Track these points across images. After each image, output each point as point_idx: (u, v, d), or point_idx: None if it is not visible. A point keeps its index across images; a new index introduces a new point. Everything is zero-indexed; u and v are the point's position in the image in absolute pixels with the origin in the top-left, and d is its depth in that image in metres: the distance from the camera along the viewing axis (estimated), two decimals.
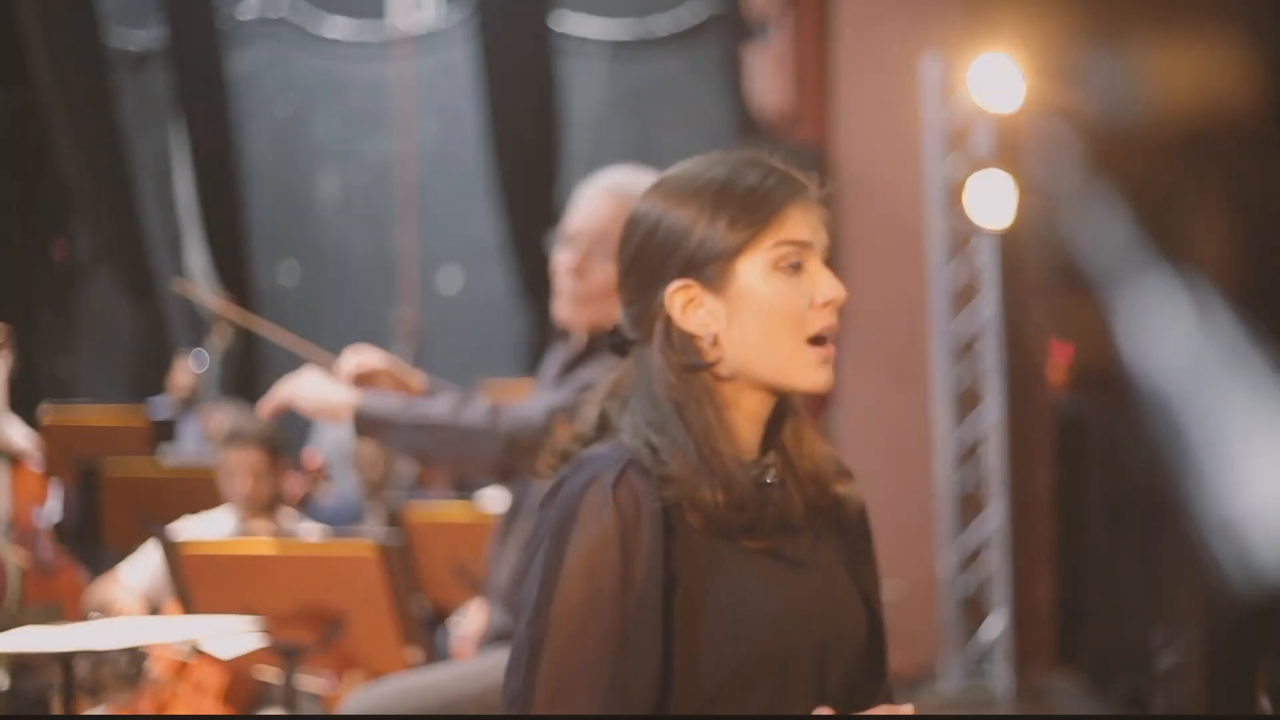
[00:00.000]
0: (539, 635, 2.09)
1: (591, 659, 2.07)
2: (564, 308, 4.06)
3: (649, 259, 2.23)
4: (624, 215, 3.90)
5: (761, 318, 2.20)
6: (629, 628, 2.08)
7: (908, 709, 2.20)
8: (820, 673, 2.19)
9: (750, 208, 2.20)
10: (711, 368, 2.21)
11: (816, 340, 2.22)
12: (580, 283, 4.04)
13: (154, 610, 5.82)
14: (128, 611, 5.74)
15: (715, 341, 2.20)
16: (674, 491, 2.13)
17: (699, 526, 2.14)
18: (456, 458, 3.94)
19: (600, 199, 4.05)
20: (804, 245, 2.21)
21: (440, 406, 3.90)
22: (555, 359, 4.16)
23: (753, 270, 2.20)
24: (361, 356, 4.24)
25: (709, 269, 2.20)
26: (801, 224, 2.22)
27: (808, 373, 2.22)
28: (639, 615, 2.09)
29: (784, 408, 2.28)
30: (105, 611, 5.80)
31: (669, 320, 2.22)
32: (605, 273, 3.97)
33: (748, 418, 2.24)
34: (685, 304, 2.21)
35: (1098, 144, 7.74)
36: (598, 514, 2.11)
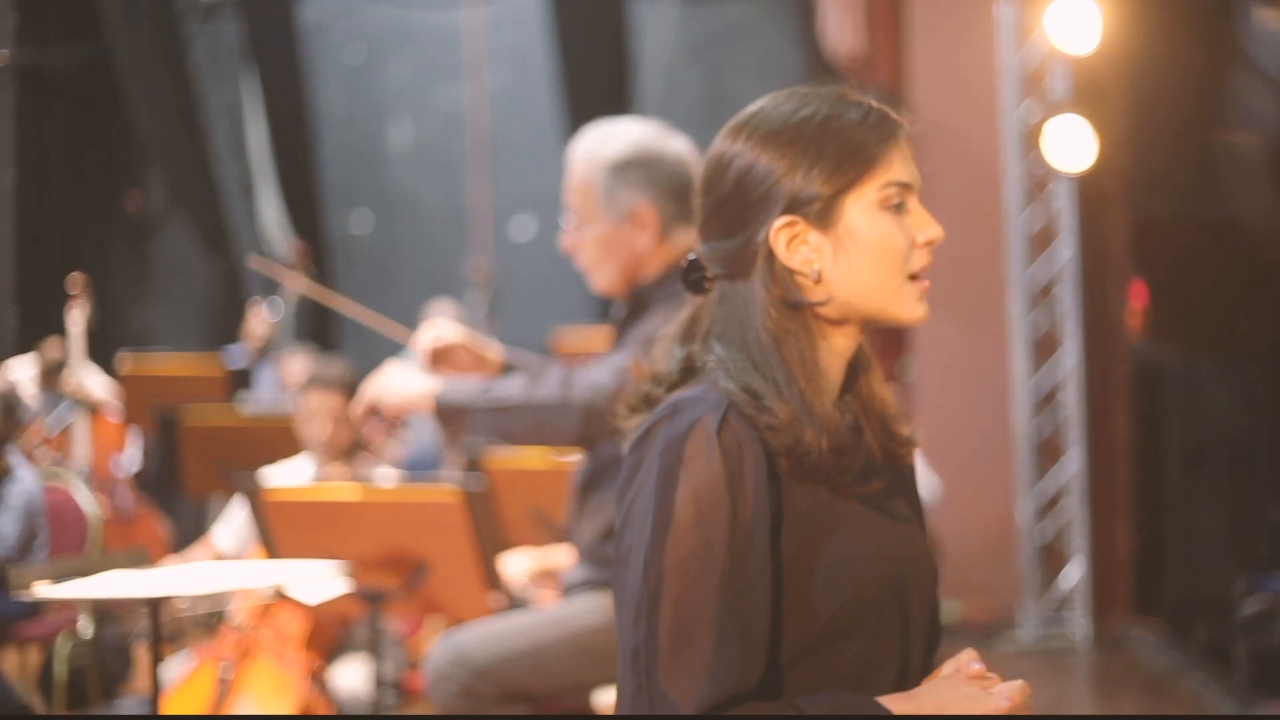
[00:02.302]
0: (655, 587, 2.08)
1: (709, 606, 2.05)
2: (593, 280, 4.04)
3: (744, 197, 2.21)
4: (593, 179, 3.93)
5: (868, 256, 2.19)
6: (742, 572, 2.07)
7: (968, 658, 2.17)
8: (904, 614, 2.20)
9: (856, 148, 2.19)
10: (813, 307, 2.20)
11: (915, 276, 2.23)
12: (585, 254, 4.02)
13: None
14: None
15: (819, 278, 2.19)
16: (778, 439, 2.12)
17: (800, 472, 2.14)
18: (537, 435, 3.92)
19: (573, 167, 4.03)
20: (907, 186, 2.22)
21: (514, 386, 3.87)
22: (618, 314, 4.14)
23: (859, 208, 2.19)
24: (437, 331, 4.23)
25: (813, 207, 2.18)
26: (903, 164, 2.23)
27: (910, 306, 2.22)
28: (751, 558, 2.08)
29: (861, 354, 2.28)
30: None
31: (771, 256, 2.19)
32: (595, 231, 3.97)
33: (837, 356, 2.24)
34: (789, 240, 2.19)
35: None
36: (704, 460, 2.09)
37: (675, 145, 3.98)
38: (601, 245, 3.96)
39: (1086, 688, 8.23)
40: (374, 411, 4.08)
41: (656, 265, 3.94)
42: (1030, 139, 8.98)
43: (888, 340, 9.11)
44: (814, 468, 2.14)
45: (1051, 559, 9.06)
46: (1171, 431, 8.97)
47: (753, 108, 2.27)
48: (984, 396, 9.24)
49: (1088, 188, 9.04)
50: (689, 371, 2.24)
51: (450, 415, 3.95)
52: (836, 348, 2.23)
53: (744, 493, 2.09)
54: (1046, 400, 9.12)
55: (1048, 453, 9.10)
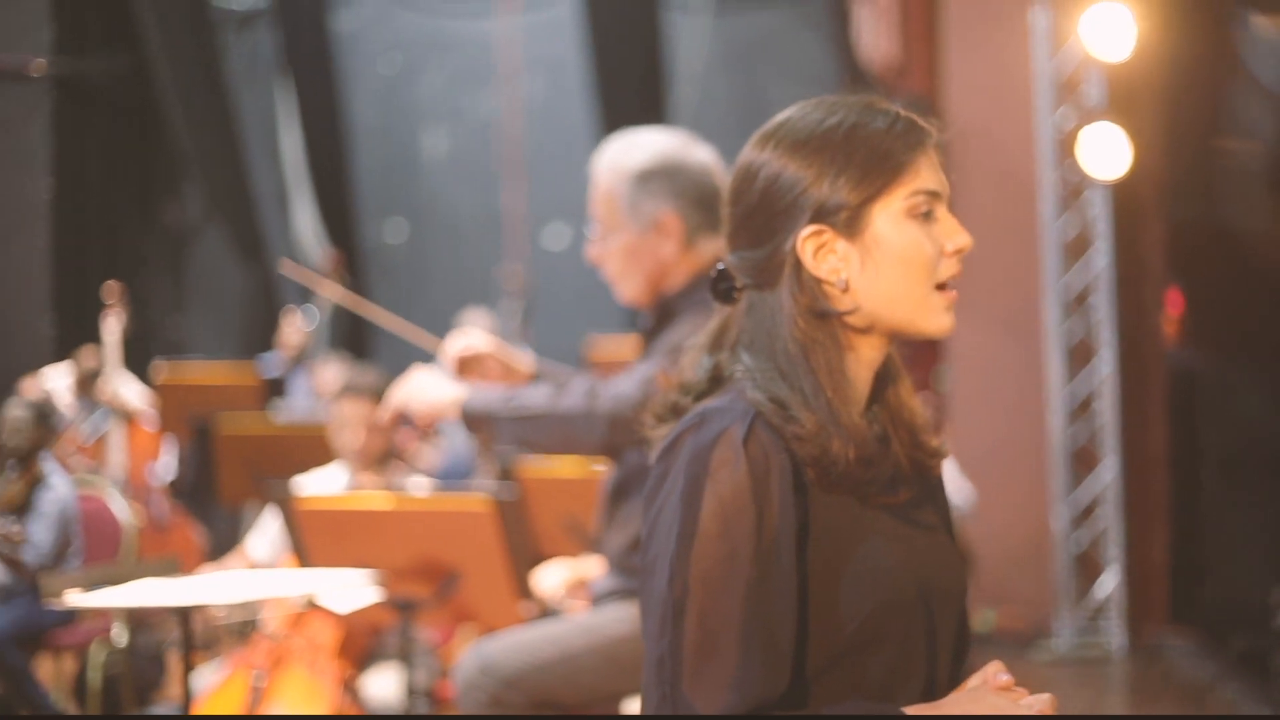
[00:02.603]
0: (680, 596, 2.07)
1: (734, 616, 2.05)
2: (619, 290, 4.04)
3: (772, 206, 2.20)
4: (617, 189, 3.93)
5: (896, 265, 2.18)
6: (767, 582, 2.06)
7: (995, 669, 2.16)
8: (930, 625, 2.19)
9: (883, 156, 2.18)
10: (841, 317, 2.19)
11: (942, 286, 2.21)
12: (611, 264, 4.02)
13: None
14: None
15: (846, 287, 2.18)
16: (805, 449, 2.11)
17: (827, 482, 2.13)
18: (562, 445, 3.92)
19: (597, 177, 4.03)
20: (935, 194, 2.21)
21: (539, 396, 3.87)
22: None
23: (887, 216, 2.18)
24: (466, 340, 4.23)
25: (840, 216, 2.18)
26: (931, 172, 2.21)
27: (936, 317, 2.21)
28: (776, 570, 2.07)
29: (889, 359, 2.27)
30: None
31: (799, 265, 2.19)
32: (620, 241, 3.97)
33: (865, 366, 2.23)
34: (816, 250, 2.18)
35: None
36: (730, 470, 2.08)
37: (699, 154, 3.98)
38: (627, 255, 3.96)
39: (1121, 697, 8.19)
40: (401, 417, 4.09)
41: (682, 274, 3.94)
42: (1065, 146, 8.95)
43: (922, 349, 9.03)
44: (841, 478, 2.13)
45: (1086, 568, 9.03)
46: (1207, 439, 8.93)
47: (780, 117, 2.26)
48: (1019, 405, 9.21)
49: (1123, 195, 9.00)
50: (716, 381, 2.24)
51: (476, 422, 3.94)
52: (864, 358, 2.22)
53: (770, 503, 2.08)
54: (1082, 408, 9.08)
55: (1083, 461, 9.07)
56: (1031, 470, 9.10)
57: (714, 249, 3.86)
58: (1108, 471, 8.98)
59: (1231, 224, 8.35)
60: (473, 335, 4.30)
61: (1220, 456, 8.77)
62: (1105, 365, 9.01)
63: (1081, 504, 9.02)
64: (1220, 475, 8.78)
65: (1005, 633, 8.92)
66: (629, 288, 4.00)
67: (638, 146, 3.99)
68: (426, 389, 4.00)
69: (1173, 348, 9.28)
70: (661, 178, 3.92)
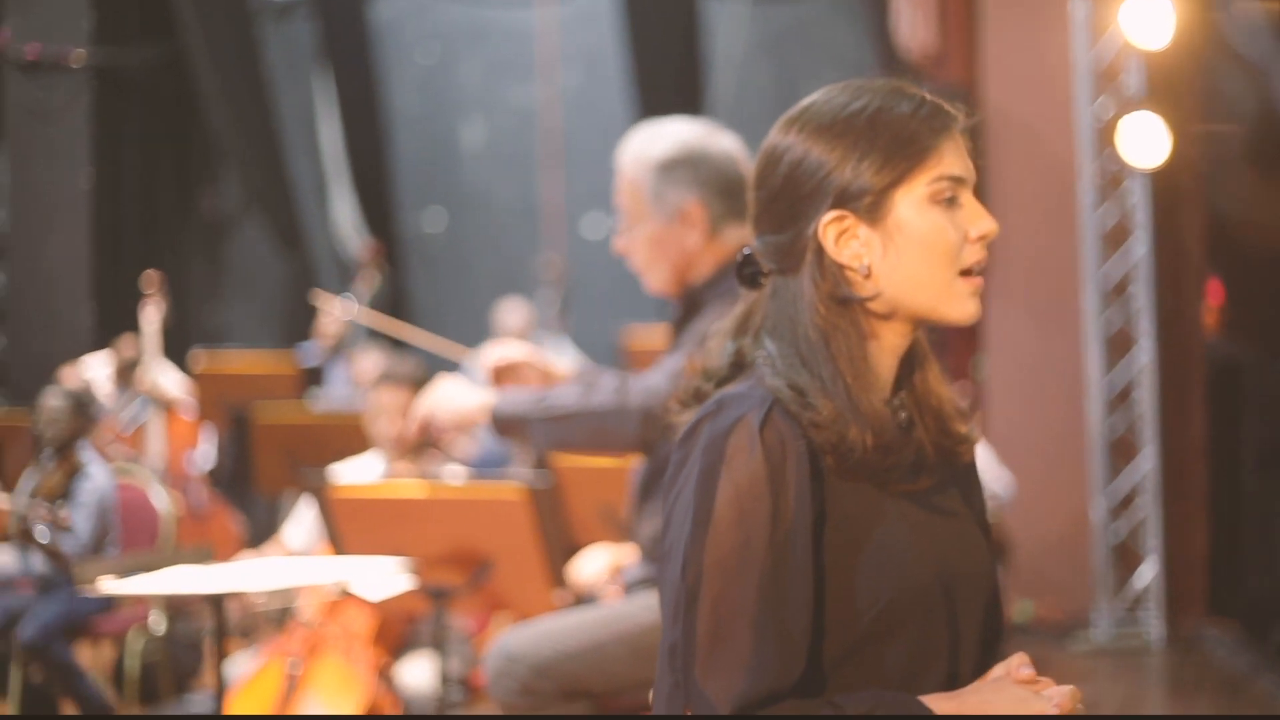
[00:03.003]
0: (694, 584, 2.07)
1: (748, 604, 2.04)
2: (647, 281, 4.04)
3: (795, 190, 2.19)
4: (641, 179, 3.92)
5: (918, 251, 2.17)
6: (782, 570, 2.06)
7: (1019, 661, 2.14)
8: (952, 614, 2.17)
9: (907, 140, 2.16)
10: (863, 302, 2.18)
11: (966, 272, 2.20)
12: (637, 255, 4.01)
13: None
14: None
15: (869, 273, 2.17)
16: (822, 436, 2.10)
17: (845, 469, 2.12)
18: (596, 442, 3.92)
19: (622, 169, 4.02)
20: (960, 180, 2.19)
21: (569, 395, 3.87)
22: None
23: (909, 202, 2.17)
24: (502, 350, 4.24)
25: (863, 201, 2.16)
26: (956, 158, 2.19)
27: (960, 304, 2.19)
28: (791, 557, 2.06)
29: (915, 345, 2.25)
30: None
31: (820, 251, 2.18)
32: (646, 232, 3.97)
33: (889, 352, 2.22)
34: (839, 235, 2.18)
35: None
36: (746, 457, 2.08)
37: (723, 143, 3.97)
38: (652, 245, 3.96)
39: (1160, 688, 8.16)
40: (428, 428, 4.09)
41: (708, 264, 3.93)
42: (1104, 135, 8.91)
43: (961, 337, 9.06)
44: (858, 465, 2.12)
45: (1125, 558, 8.99)
46: (1247, 430, 8.88)
47: (806, 101, 2.25)
48: (1058, 394, 9.17)
49: (1162, 184, 8.96)
50: (739, 366, 2.23)
51: (507, 427, 3.95)
52: (886, 344, 2.21)
53: (786, 491, 2.07)
54: (1120, 398, 9.04)
55: (1122, 451, 9.02)
56: (1070, 460, 9.07)
57: (739, 238, 3.86)
58: (1146, 461, 8.94)
59: (1273, 213, 8.31)
60: (509, 345, 4.32)
61: (1260, 446, 8.73)
62: (1144, 354, 8.96)
63: (1120, 494, 8.99)
64: (1260, 465, 8.73)
65: (1043, 623, 8.89)
66: (655, 278, 4.00)
67: (661, 136, 3.99)
68: (453, 397, 4.00)
69: (1213, 337, 9.24)
70: (685, 167, 3.92)
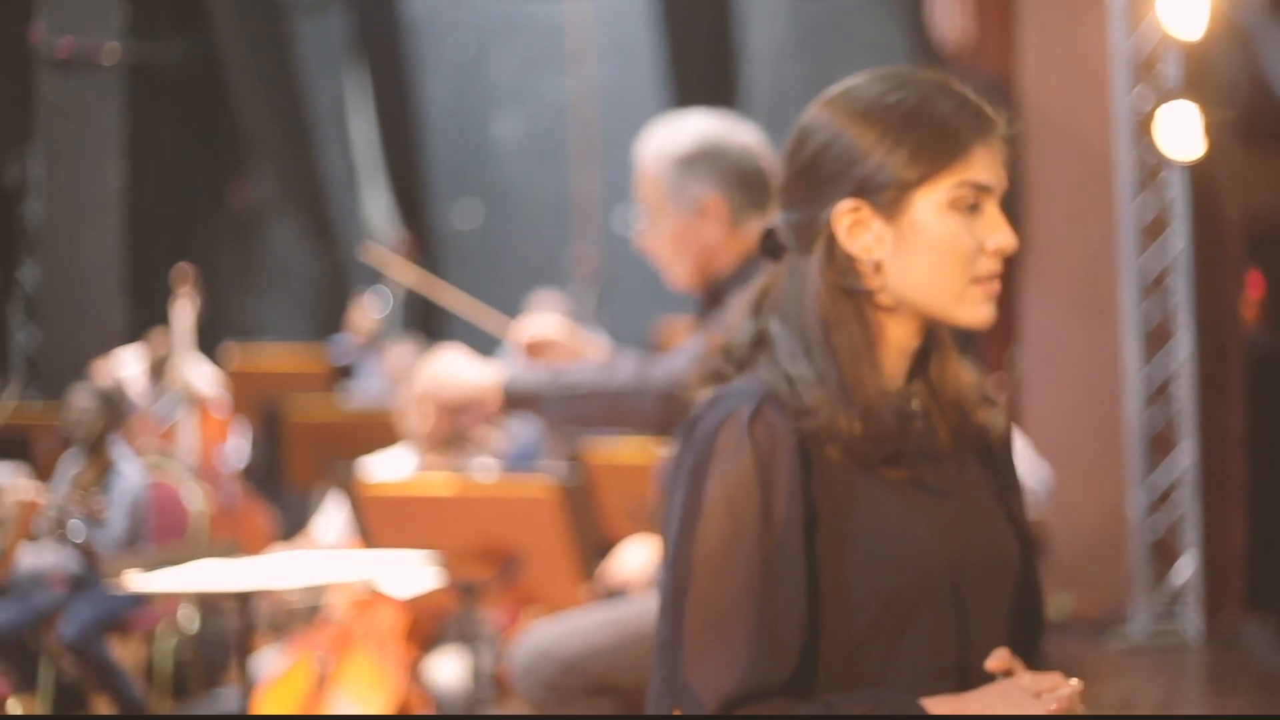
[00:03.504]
0: (683, 579, 2.05)
1: (737, 600, 2.02)
2: (669, 276, 3.99)
3: (820, 171, 2.16)
4: (661, 174, 3.87)
5: (930, 254, 2.13)
6: (772, 566, 2.03)
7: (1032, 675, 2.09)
8: (961, 608, 2.11)
9: (938, 140, 2.12)
10: (870, 294, 2.15)
11: (980, 279, 2.15)
12: (659, 250, 3.97)
13: None
14: None
15: (878, 268, 2.14)
16: (811, 423, 2.08)
17: (837, 458, 2.09)
18: (612, 421, 3.87)
19: (642, 164, 3.97)
20: (985, 188, 2.14)
21: (587, 373, 3.82)
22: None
23: (929, 204, 2.12)
24: (537, 325, 4.18)
25: (883, 194, 2.13)
26: (986, 165, 2.14)
27: (971, 309, 2.15)
28: (781, 553, 2.04)
29: (932, 339, 2.22)
30: None
31: (832, 238, 2.15)
32: (667, 226, 3.91)
33: (896, 348, 2.18)
34: (852, 225, 2.14)
35: None
36: (734, 453, 2.06)
37: (743, 136, 3.93)
38: (674, 240, 3.91)
39: (1198, 685, 8.09)
40: (430, 401, 4.01)
41: (730, 258, 3.89)
42: (1142, 127, 8.84)
43: (996, 330, 9.00)
44: (850, 451, 2.08)
45: (1163, 553, 8.92)
46: None
47: (849, 81, 2.21)
48: (1095, 388, 9.11)
49: (1201, 176, 8.88)
50: (760, 344, 2.20)
51: (520, 403, 3.87)
52: (894, 336, 2.17)
53: (775, 486, 2.05)
54: (1158, 392, 8.97)
55: (1159, 445, 8.95)
56: (1107, 454, 9.00)
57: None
58: (1185, 456, 8.87)
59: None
60: (544, 320, 4.26)
61: None
62: (1183, 348, 8.89)
63: (1158, 489, 8.92)
64: None
65: (1081, 619, 8.83)
66: (678, 273, 3.95)
67: (680, 130, 3.94)
68: (458, 370, 3.90)
69: (1252, 330, 9.16)
70: (704, 160, 3.87)
